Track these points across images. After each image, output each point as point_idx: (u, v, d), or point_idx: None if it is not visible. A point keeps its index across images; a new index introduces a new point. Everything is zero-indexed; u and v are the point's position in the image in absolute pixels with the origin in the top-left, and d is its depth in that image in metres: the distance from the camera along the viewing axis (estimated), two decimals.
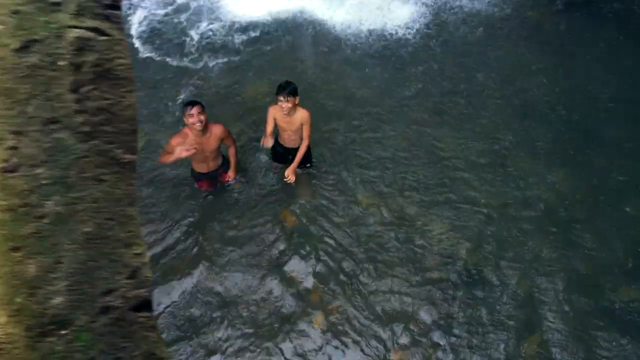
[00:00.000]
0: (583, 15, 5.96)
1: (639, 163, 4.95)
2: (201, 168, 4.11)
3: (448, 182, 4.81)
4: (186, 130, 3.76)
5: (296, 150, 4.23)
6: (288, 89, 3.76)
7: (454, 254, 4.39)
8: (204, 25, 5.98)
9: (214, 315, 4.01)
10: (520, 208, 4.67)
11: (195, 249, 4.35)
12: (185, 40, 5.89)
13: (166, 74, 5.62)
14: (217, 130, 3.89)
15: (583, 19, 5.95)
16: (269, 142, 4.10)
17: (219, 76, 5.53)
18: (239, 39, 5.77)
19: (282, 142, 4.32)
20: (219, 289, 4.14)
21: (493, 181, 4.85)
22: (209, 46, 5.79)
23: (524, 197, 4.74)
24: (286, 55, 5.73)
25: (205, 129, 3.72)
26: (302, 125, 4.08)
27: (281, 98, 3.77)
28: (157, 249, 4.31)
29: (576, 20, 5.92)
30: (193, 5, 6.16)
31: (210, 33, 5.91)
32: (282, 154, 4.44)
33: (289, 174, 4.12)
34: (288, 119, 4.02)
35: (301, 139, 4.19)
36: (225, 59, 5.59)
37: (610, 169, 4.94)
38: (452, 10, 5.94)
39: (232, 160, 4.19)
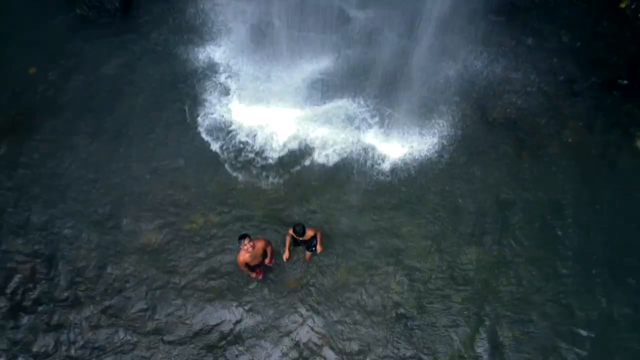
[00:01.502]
0: (502, 134, 8.42)
1: (533, 242, 7.47)
2: (254, 262, 6.35)
3: (400, 257, 7.27)
4: (242, 250, 5.99)
5: (306, 241, 6.58)
6: (301, 231, 6.12)
7: (401, 303, 6.90)
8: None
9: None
10: (447, 274, 7.17)
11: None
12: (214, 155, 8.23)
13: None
14: (260, 243, 6.15)
15: (502, 136, 8.40)
16: (287, 256, 6.74)
17: (242, 188, 7.88)
18: (260, 163, 8.11)
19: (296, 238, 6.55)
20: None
21: (431, 257, 7.31)
22: (233, 163, 8.13)
23: (450, 266, 7.22)
24: (293, 174, 8.06)
25: (253, 247, 5.97)
26: (314, 236, 6.45)
27: (299, 238, 6.20)
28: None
29: (497, 139, 8.36)
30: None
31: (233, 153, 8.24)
32: (297, 243, 6.76)
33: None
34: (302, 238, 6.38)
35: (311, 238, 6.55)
36: (251, 174, 7.95)
37: (514, 248, 7.44)
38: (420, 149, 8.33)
39: (269, 254, 6.50)
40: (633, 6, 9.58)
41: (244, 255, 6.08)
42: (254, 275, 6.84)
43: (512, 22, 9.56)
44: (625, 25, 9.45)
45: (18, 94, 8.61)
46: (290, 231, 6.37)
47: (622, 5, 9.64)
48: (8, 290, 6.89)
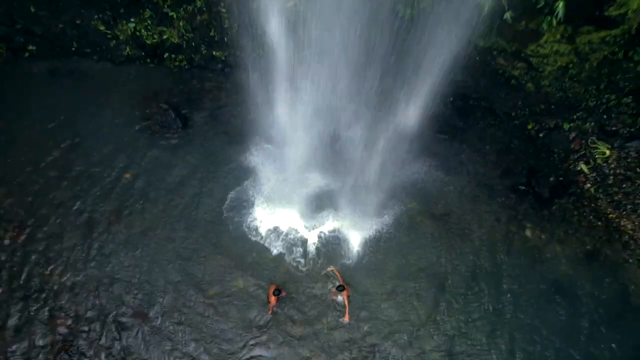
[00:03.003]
0: (439, 224, 12.62)
1: (460, 299, 11.68)
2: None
3: (367, 312, 11.50)
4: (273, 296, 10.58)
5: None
6: (340, 288, 10.56)
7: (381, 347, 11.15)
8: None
9: None
10: (401, 328, 11.39)
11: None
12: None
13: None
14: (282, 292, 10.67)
15: (439, 225, 12.60)
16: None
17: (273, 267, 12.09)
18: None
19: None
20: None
21: (389, 312, 11.53)
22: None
23: (404, 322, 11.43)
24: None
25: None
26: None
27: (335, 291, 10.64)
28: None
29: (436, 227, 12.56)
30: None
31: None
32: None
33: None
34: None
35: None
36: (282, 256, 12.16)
37: (450, 305, 11.65)
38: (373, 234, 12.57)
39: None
40: (536, 128, 13.84)
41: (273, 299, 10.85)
42: (273, 306, 11.20)
43: (453, 139, 13.80)
44: (530, 143, 13.72)
45: (113, 194, 12.82)
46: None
47: (529, 127, 13.90)
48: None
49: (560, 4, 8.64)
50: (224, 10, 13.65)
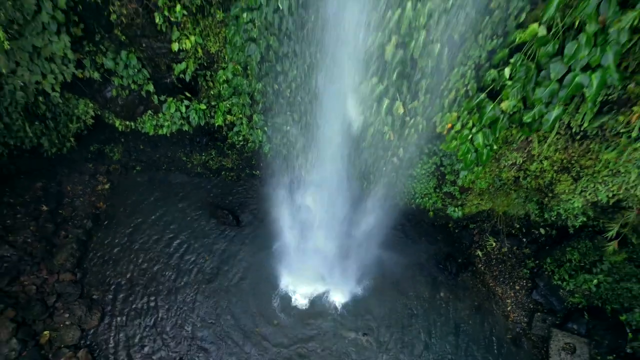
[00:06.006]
0: (392, 292, 21.32)
1: (407, 346, 20.49)
2: None
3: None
4: None
5: None
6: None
7: None
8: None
9: None
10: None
11: None
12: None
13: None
14: None
15: (388, 290, 21.31)
16: None
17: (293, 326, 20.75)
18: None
19: None
20: None
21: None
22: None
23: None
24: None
25: None
26: None
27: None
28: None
29: (392, 293, 21.24)
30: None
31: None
32: None
33: None
34: None
35: None
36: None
37: (403, 343, 20.42)
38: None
39: None
40: (454, 226, 22.47)
41: None
42: None
43: (402, 233, 22.36)
44: (449, 236, 22.35)
45: (201, 271, 21.35)
46: None
47: (449, 225, 22.51)
48: None
49: (448, 207, 17.30)
50: (262, 151, 22.02)
